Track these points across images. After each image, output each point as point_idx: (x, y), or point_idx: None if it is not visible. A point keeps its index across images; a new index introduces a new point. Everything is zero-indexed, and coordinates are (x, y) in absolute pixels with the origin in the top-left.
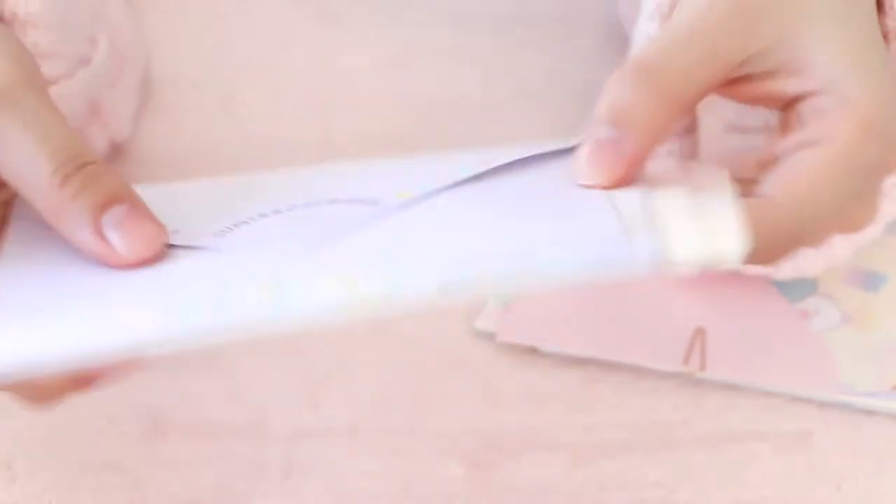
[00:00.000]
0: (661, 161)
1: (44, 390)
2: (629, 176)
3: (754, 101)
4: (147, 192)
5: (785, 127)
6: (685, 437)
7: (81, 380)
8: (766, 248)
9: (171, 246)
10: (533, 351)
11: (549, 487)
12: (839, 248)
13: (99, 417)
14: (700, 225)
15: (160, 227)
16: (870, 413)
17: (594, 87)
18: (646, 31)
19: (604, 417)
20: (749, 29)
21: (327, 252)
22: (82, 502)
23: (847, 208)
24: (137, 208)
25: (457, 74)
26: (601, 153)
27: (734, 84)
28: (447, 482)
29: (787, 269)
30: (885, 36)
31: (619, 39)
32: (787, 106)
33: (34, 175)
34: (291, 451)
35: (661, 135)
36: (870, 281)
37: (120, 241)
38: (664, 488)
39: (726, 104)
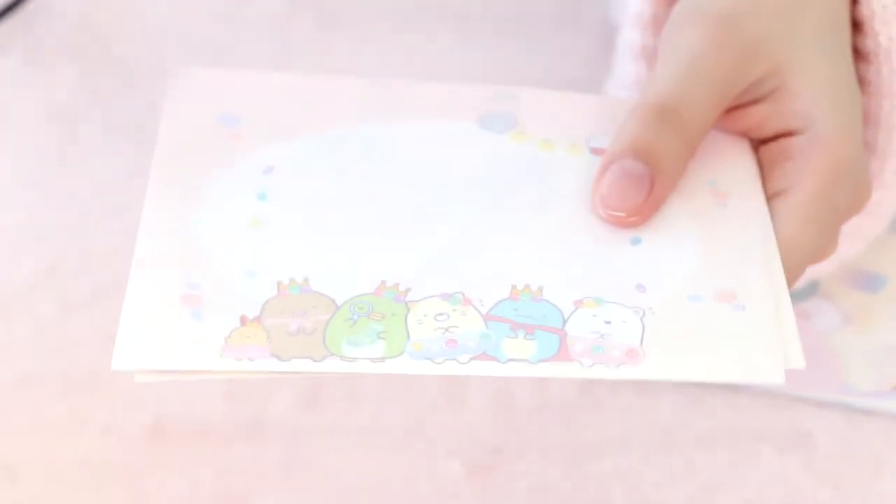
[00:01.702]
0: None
1: None
2: (650, 215)
3: (740, 130)
4: None
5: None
6: (685, 437)
7: None
8: None
9: None
10: None
11: (549, 487)
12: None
13: (99, 417)
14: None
15: None
16: (870, 413)
17: (593, 87)
18: (629, 39)
19: (604, 417)
20: (750, 61)
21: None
22: (82, 502)
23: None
24: None
25: (457, 75)
26: (629, 183)
27: (724, 115)
28: (448, 482)
29: None
30: (863, 55)
31: None
32: (765, 141)
33: None
34: (291, 451)
35: (681, 177)
36: (870, 282)
37: None
38: (664, 488)
39: None
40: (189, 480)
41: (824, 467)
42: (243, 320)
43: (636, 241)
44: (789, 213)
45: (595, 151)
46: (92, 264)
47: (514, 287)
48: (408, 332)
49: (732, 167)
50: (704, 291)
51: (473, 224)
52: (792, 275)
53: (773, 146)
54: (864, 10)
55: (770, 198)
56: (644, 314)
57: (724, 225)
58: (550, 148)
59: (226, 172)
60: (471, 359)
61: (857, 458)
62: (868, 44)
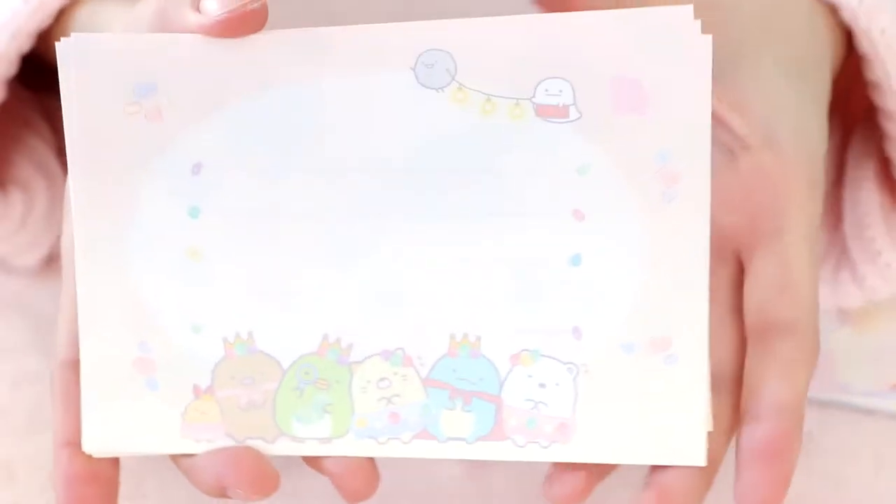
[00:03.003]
0: None
1: None
2: None
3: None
4: None
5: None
6: None
7: None
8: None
9: None
10: None
11: None
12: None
13: None
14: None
15: None
16: (869, 412)
17: None
18: None
19: None
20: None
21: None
22: None
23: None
24: None
25: None
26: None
27: None
28: (446, 481)
29: None
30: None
31: None
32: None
33: None
34: None
35: None
36: None
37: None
38: None
39: None
40: (187, 482)
41: (824, 467)
42: (196, 392)
43: (576, 261)
44: (799, 254)
45: (541, 111)
46: None
47: (452, 338)
48: (352, 404)
49: (688, 136)
50: (639, 338)
51: (410, 246)
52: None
53: (744, 162)
54: (878, 72)
55: (764, 246)
56: (577, 373)
57: (666, 234)
58: (492, 110)
59: (153, 175)
60: (412, 437)
61: (857, 457)
62: (888, 102)
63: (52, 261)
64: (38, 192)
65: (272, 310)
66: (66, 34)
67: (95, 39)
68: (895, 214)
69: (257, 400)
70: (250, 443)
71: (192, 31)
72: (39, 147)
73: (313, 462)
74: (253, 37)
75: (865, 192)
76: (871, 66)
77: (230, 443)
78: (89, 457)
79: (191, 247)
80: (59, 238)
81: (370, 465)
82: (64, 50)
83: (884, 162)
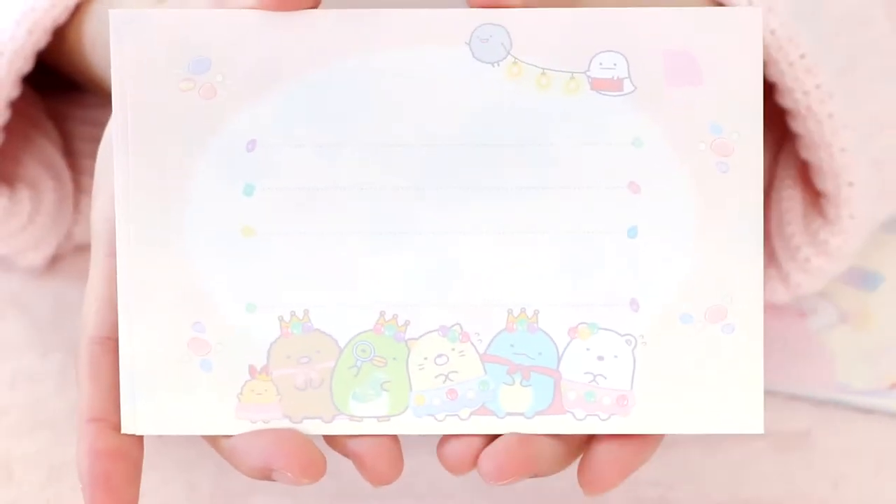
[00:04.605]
0: None
1: None
2: None
3: None
4: None
5: None
6: (683, 436)
7: None
8: None
9: None
10: None
11: (547, 485)
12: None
13: None
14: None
15: None
16: (867, 411)
17: None
18: None
19: None
20: None
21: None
22: (78, 500)
23: None
24: None
25: None
26: None
27: None
28: (445, 480)
29: None
30: (789, 112)
31: None
32: None
33: None
34: None
35: None
36: (867, 280)
37: None
38: (662, 486)
39: None
40: (185, 480)
41: (823, 466)
42: (252, 371)
43: (632, 234)
44: None
45: (595, 84)
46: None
47: (510, 312)
48: (410, 381)
49: (741, 107)
50: (695, 308)
51: (466, 221)
52: None
53: None
54: (773, 70)
55: None
56: (635, 345)
57: (721, 205)
58: (547, 84)
59: (207, 152)
60: (471, 413)
61: (856, 456)
62: (787, 101)
63: (56, 260)
64: (46, 192)
65: (328, 287)
66: (80, 30)
67: (149, 15)
68: (813, 211)
69: (314, 379)
70: (308, 423)
71: (248, 5)
72: (47, 147)
73: (338, 444)
74: (307, 13)
75: (787, 190)
76: (767, 67)
77: (287, 423)
78: (116, 433)
79: (245, 225)
80: (65, 238)
81: (396, 447)
82: (117, 24)
83: (805, 161)
